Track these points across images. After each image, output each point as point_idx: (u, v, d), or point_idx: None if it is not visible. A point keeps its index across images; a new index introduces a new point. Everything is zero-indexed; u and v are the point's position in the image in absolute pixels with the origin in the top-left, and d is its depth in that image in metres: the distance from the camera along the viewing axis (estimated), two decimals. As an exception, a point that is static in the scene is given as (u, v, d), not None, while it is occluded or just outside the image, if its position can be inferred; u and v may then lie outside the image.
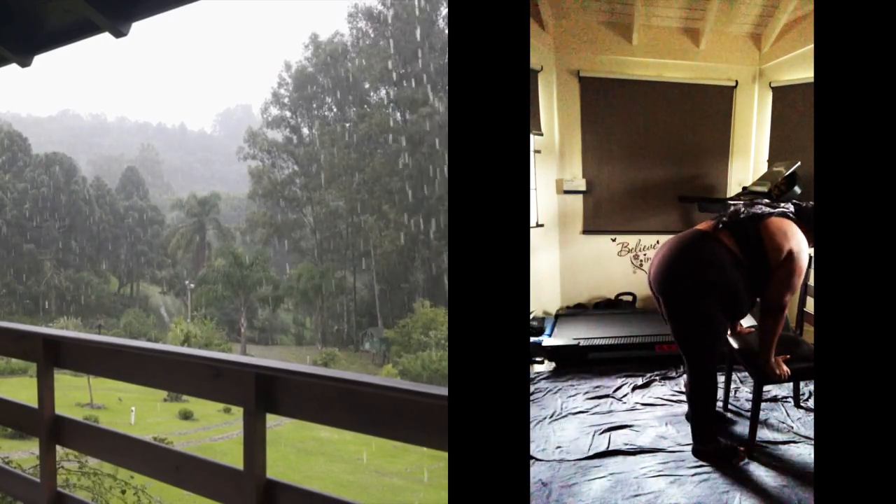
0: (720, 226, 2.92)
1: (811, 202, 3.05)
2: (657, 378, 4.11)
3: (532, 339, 4.65)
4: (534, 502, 2.72)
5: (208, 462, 2.31)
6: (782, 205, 2.97)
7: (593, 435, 3.29)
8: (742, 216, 2.92)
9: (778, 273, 2.83)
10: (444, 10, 42.43)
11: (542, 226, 5.36)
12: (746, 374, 3.52)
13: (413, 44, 42.61)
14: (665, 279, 2.92)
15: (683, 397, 3.81)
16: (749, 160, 5.48)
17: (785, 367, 2.88)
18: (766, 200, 3.06)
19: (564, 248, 5.63)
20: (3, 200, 44.57)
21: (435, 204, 40.32)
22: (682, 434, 3.27)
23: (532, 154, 5.17)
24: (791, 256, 2.82)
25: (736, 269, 2.84)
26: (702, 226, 2.99)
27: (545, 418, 3.56)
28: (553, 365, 4.59)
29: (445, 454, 1.57)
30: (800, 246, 2.83)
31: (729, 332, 3.28)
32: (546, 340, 4.65)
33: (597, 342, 4.61)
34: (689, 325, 2.92)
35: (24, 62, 3.21)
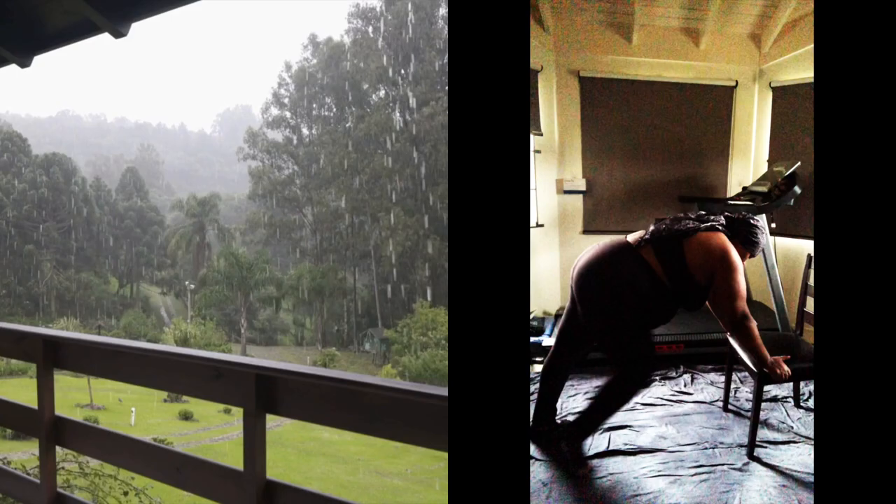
0: (643, 242, 2.89)
1: (743, 214, 3.06)
2: (657, 378, 4.11)
3: (532, 339, 4.64)
4: (534, 502, 2.72)
5: (209, 463, 2.31)
6: (712, 218, 2.95)
7: (593, 435, 3.29)
8: (664, 234, 2.89)
9: (718, 289, 2.81)
10: (444, 10, 42.44)
11: (542, 226, 5.36)
12: (746, 374, 3.53)
13: (413, 43, 42.62)
14: (580, 284, 2.93)
15: (683, 397, 3.82)
16: (749, 160, 5.48)
17: (785, 367, 2.87)
18: (700, 213, 3.03)
19: (564, 248, 5.62)
20: (3, 201, 44.55)
21: (435, 204, 40.31)
22: (682, 434, 3.27)
23: (532, 154, 5.17)
24: (720, 269, 2.80)
25: (651, 285, 2.82)
26: (631, 237, 2.96)
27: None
28: (553, 365, 4.58)
29: (445, 454, 1.57)
30: (725, 254, 2.81)
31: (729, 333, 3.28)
32: (546, 340, 4.65)
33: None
34: (603, 328, 2.93)
35: (24, 62, 3.21)
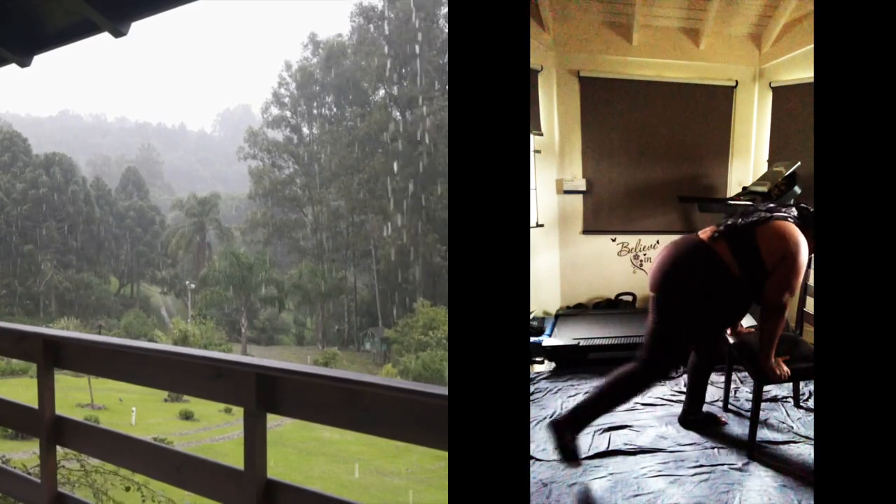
0: (717, 235, 2.91)
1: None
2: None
3: (532, 339, 4.64)
4: (534, 502, 2.72)
5: (209, 462, 2.31)
6: (784, 209, 2.96)
7: (593, 435, 3.29)
8: (739, 224, 2.91)
9: (775, 274, 2.82)
10: (445, 10, 42.43)
11: (542, 226, 5.36)
12: (746, 374, 3.53)
13: (413, 43, 42.60)
14: (659, 284, 2.93)
15: (683, 397, 3.82)
16: (749, 160, 5.48)
17: (785, 367, 2.88)
18: (770, 205, 3.03)
19: (564, 248, 5.62)
20: (3, 201, 44.56)
21: (435, 203, 40.31)
22: (682, 434, 3.27)
23: (532, 154, 5.17)
24: (787, 258, 2.81)
25: (726, 281, 2.83)
26: (702, 233, 2.98)
27: (545, 418, 3.56)
28: (553, 365, 4.58)
29: (446, 454, 1.57)
30: (797, 248, 2.82)
31: (728, 332, 3.28)
32: (546, 340, 4.65)
33: (597, 342, 4.60)
34: (674, 326, 2.92)
35: (24, 62, 3.21)
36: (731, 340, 3.23)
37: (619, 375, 2.94)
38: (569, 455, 2.93)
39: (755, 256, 2.84)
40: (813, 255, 2.92)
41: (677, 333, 2.92)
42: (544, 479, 2.89)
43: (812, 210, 2.98)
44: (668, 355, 2.95)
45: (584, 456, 3.07)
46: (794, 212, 2.95)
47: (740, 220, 2.93)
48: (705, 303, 2.85)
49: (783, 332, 2.91)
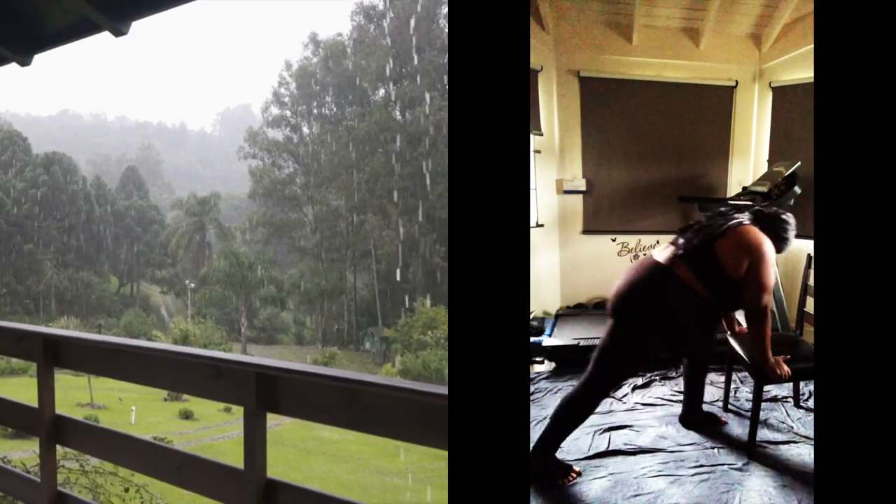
0: (676, 259, 2.84)
1: (770, 206, 3.04)
2: (657, 378, 4.11)
3: (532, 339, 4.64)
4: (534, 502, 2.72)
5: (209, 462, 2.31)
6: (738, 214, 2.92)
7: (593, 435, 3.29)
8: (696, 243, 2.83)
9: (747, 281, 2.80)
10: (445, 10, 42.42)
11: (542, 226, 5.36)
12: (746, 374, 3.53)
13: (413, 42, 42.58)
14: (620, 314, 2.89)
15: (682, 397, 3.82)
16: (749, 160, 5.47)
17: (785, 367, 2.87)
18: (723, 210, 3.00)
19: (564, 248, 5.62)
20: (3, 200, 44.55)
21: (435, 203, 40.30)
22: (682, 434, 3.27)
23: (532, 154, 5.16)
24: (753, 264, 2.79)
25: (692, 308, 2.80)
26: (659, 255, 2.90)
27: (545, 418, 3.56)
28: (553, 365, 4.58)
29: (446, 453, 1.57)
30: (760, 250, 2.79)
31: (728, 333, 3.28)
32: (546, 340, 4.65)
33: (597, 342, 4.58)
34: (624, 349, 2.89)
35: (24, 61, 3.21)
36: (731, 341, 3.23)
37: (565, 400, 2.93)
38: (557, 474, 2.89)
39: (719, 273, 2.79)
40: (812, 255, 2.92)
41: (625, 356, 2.88)
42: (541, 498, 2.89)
43: (767, 210, 2.98)
44: (611, 377, 2.93)
45: (584, 456, 3.07)
46: (749, 215, 2.93)
47: (695, 238, 2.86)
48: (672, 323, 2.82)
49: (783, 332, 2.91)
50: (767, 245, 2.82)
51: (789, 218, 3.00)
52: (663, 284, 2.82)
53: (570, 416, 2.91)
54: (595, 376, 2.88)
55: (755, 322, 2.85)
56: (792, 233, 2.99)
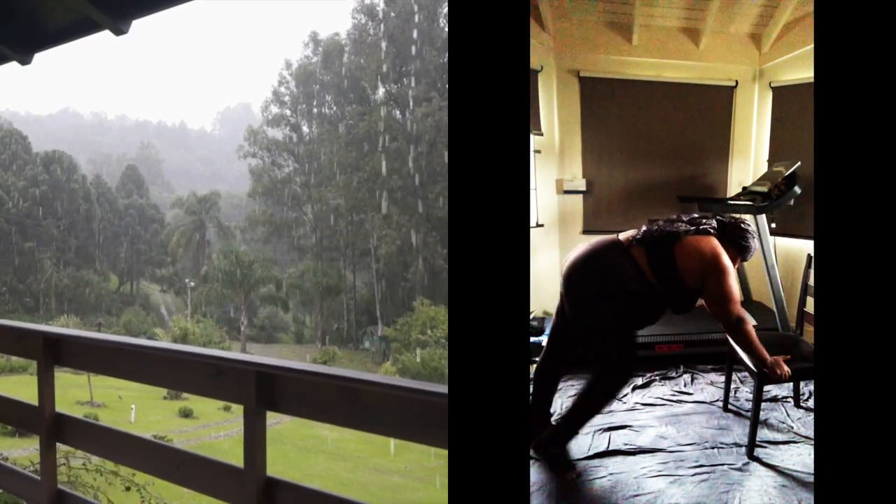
0: (634, 241, 2.88)
1: (735, 218, 3.04)
2: (657, 378, 4.12)
3: (532, 339, 4.64)
4: (534, 502, 2.72)
5: (209, 460, 2.31)
6: (704, 221, 2.93)
7: (593, 435, 3.29)
8: (656, 235, 2.87)
9: (708, 292, 2.82)
10: (445, 10, 42.39)
11: (542, 226, 5.36)
12: (746, 374, 3.53)
13: (413, 42, 42.58)
14: (569, 282, 2.95)
15: (683, 397, 3.82)
16: (749, 160, 5.47)
17: (785, 367, 2.88)
18: (694, 216, 3.01)
19: (564, 248, 5.62)
20: (4, 199, 44.54)
21: (435, 203, 40.30)
22: (682, 434, 3.27)
23: (532, 154, 5.16)
24: (709, 274, 2.80)
25: (639, 284, 2.81)
26: (623, 235, 2.95)
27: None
28: (553, 364, 4.57)
29: (445, 452, 1.57)
30: (715, 259, 2.80)
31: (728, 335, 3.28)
32: (546, 340, 4.64)
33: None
34: (588, 326, 2.94)
35: (25, 60, 3.21)
36: (734, 344, 3.22)
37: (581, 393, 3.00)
38: (566, 465, 2.93)
39: (671, 268, 2.81)
40: (812, 255, 2.92)
41: (575, 326, 2.98)
42: (544, 478, 2.89)
43: (731, 221, 2.99)
44: (564, 348, 3.11)
45: (584, 456, 3.08)
46: (714, 223, 2.93)
47: (657, 230, 2.89)
48: (614, 300, 2.84)
49: (783, 332, 2.91)
50: (724, 257, 2.82)
51: (749, 225, 3.01)
52: (616, 258, 2.87)
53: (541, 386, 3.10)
54: (546, 349, 3.07)
55: (735, 334, 2.88)
56: (753, 240, 3.00)
